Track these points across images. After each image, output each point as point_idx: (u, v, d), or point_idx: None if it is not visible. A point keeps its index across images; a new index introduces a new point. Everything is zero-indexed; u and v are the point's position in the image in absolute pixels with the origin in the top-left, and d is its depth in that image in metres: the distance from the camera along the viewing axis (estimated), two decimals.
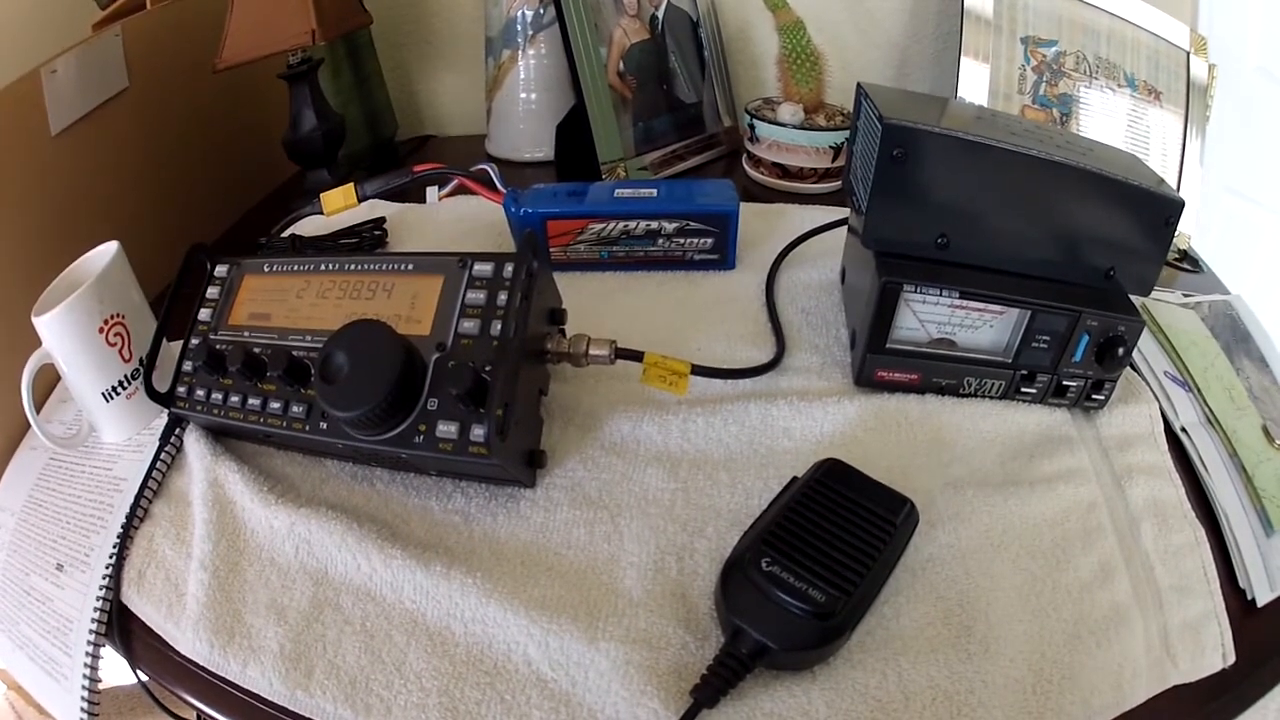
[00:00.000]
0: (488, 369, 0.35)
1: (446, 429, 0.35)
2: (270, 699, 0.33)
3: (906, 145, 0.38)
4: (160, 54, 0.62)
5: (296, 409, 0.38)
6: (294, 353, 0.38)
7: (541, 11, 0.73)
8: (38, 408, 0.43)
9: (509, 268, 0.38)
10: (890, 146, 0.38)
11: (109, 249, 0.44)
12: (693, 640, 0.33)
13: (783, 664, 0.31)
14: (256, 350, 0.39)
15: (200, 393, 0.41)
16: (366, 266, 0.40)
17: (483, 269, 0.38)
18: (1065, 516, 0.38)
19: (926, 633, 0.33)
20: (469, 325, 0.37)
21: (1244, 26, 0.77)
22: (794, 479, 0.37)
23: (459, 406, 0.34)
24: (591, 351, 0.40)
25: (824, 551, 0.32)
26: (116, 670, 0.37)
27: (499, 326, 0.36)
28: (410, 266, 0.40)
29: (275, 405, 0.38)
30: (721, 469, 0.40)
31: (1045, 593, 0.34)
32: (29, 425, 0.43)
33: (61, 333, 0.41)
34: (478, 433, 0.34)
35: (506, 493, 0.40)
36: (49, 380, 0.50)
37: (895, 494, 0.35)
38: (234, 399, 0.40)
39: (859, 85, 0.45)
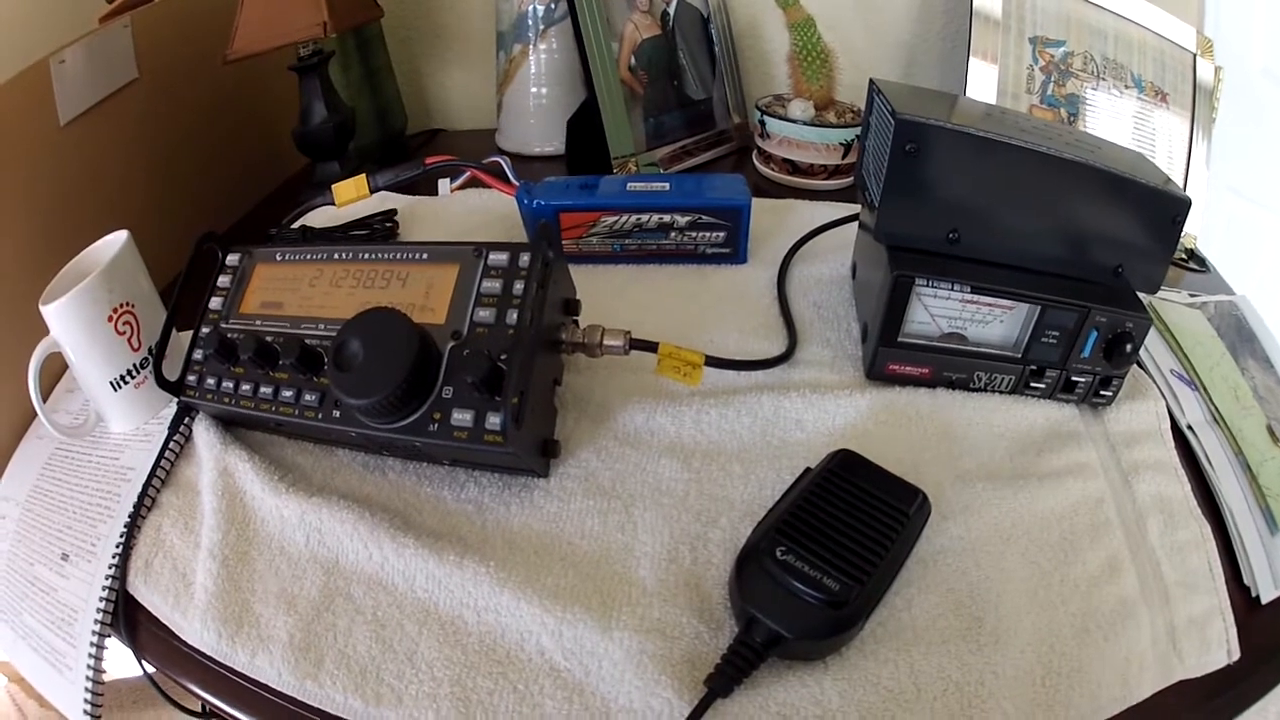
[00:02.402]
0: (503, 357, 0.35)
1: (461, 417, 0.35)
2: (279, 689, 0.33)
3: (919, 140, 0.39)
4: (170, 45, 0.62)
5: (309, 397, 0.38)
6: (307, 341, 0.38)
7: (553, 6, 0.73)
8: (44, 397, 0.43)
9: (524, 257, 0.37)
10: (903, 141, 0.39)
11: (118, 238, 0.44)
12: (706, 630, 0.33)
13: (796, 653, 0.31)
14: (269, 339, 0.39)
15: (211, 381, 0.41)
16: (380, 255, 0.40)
17: (498, 258, 0.38)
18: (1073, 511, 0.38)
19: (938, 624, 0.33)
20: (484, 314, 0.37)
21: (1250, 29, 0.77)
22: (807, 470, 0.37)
23: (474, 394, 0.34)
24: (606, 342, 0.40)
25: (838, 541, 0.32)
26: (121, 663, 0.37)
27: (515, 315, 0.36)
28: (425, 256, 0.39)
29: (287, 394, 0.38)
30: (735, 460, 0.40)
31: (1054, 586, 0.34)
32: (35, 414, 0.43)
33: (70, 321, 0.41)
34: (493, 420, 0.34)
35: (520, 482, 0.40)
36: (56, 369, 0.50)
37: (907, 485, 0.35)
38: (245, 387, 0.39)
39: (872, 81, 0.45)
